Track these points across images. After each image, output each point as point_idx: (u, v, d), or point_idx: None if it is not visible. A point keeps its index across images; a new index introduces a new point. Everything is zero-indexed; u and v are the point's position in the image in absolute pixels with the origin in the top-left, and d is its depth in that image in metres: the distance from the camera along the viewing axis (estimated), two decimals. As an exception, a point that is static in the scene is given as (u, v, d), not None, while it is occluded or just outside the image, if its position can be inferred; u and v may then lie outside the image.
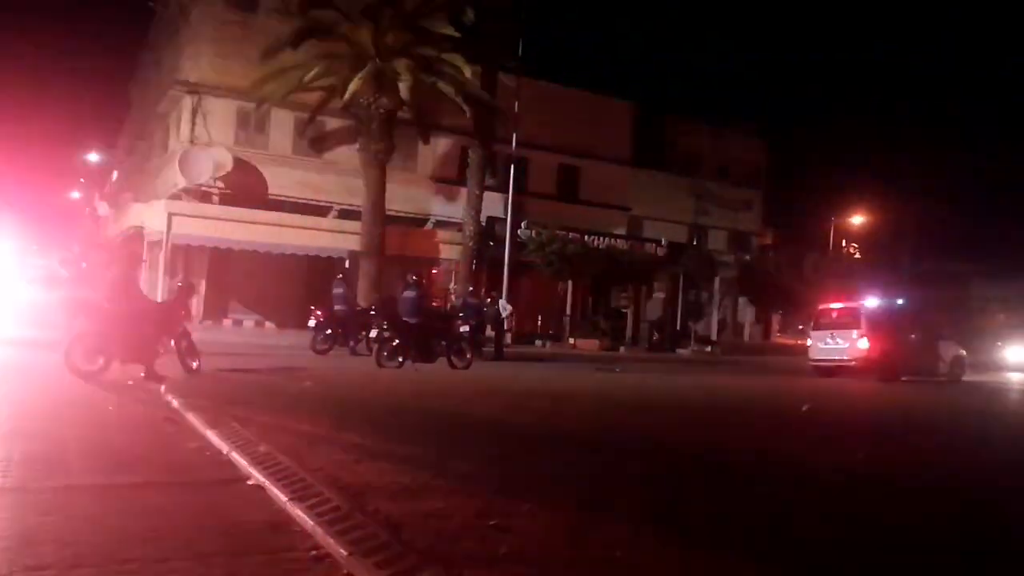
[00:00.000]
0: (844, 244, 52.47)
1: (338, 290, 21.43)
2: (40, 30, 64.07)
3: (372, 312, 19.55)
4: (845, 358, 21.95)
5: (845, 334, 22.10)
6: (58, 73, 70.00)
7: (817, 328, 23.36)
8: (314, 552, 4.43)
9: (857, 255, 52.15)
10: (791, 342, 42.07)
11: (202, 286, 28.85)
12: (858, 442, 9.20)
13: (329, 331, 20.41)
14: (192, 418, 8.51)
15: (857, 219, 50.27)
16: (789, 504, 5.84)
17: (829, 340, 22.49)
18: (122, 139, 49.87)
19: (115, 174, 52.40)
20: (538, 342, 31.55)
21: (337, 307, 20.94)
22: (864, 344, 21.61)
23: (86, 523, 4.81)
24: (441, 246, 32.46)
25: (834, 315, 23.03)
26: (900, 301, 24.77)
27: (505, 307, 24.26)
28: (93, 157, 56.33)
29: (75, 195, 65.06)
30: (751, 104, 42.95)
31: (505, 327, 24.29)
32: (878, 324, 21.88)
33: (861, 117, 52.94)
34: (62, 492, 5.57)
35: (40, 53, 63.31)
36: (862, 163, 51.18)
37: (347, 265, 28.56)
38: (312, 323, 20.75)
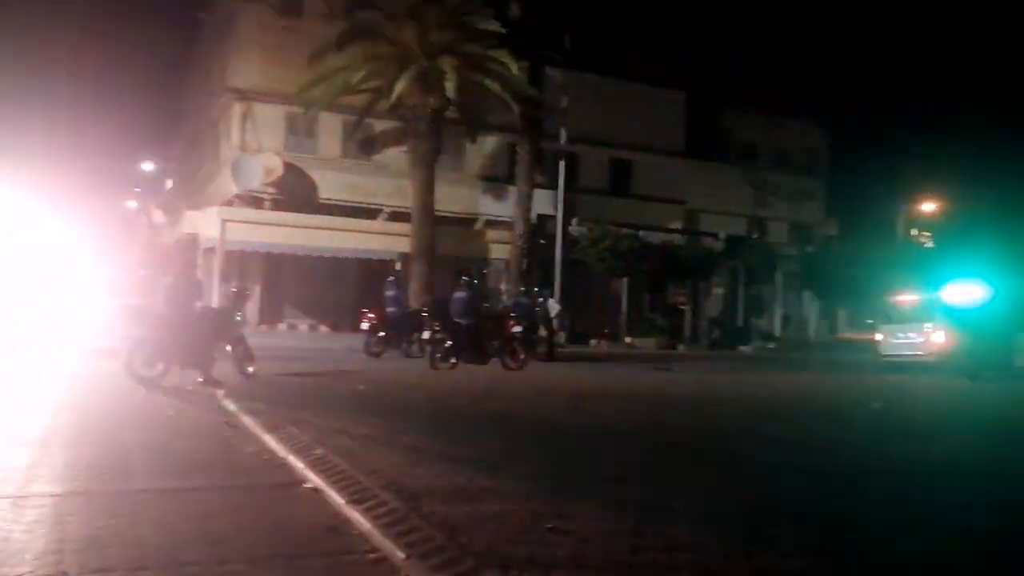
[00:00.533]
0: (915, 233, 51.06)
1: (390, 292, 21.58)
2: (92, 44, 65.77)
3: (424, 314, 19.69)
4: (919, 353, 21.28)
5: (919, 327, 21.52)
6: (111, 85, 71.79)
7: (888, 321, 22.80)
8: (372, 555, 4.50)
9: (930, 244, 50.66)
10: (860, 337, 41.19)
11: (256, 291, 29.30)
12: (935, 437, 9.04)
13: (382, 333, 20.59)
14: (249, 422, 8.68)
15: (928, 206, 48.84)
16: (867, 505, 5.77)
17: (901, 334, 21.90)
18: (175, 148, 50.85)
19: (169, 182, 53.52)
20: (593, 342, 31.41)
21: (389, 309, 21.12)
22: (939, 338, 20.90)
23: (149, 526, 4.96)
24: (491, 245, 32.55)
25: (906, 308, 22.46)
26: (977, 291, 23.96)
27: (554, 306, 24.17)
28: (148, 166, 57.61)
29: (131, 204, 66.53)
30: (810, 90, 41.92)
31: (555, 327, 24.22)
32: (954, 316, 21.03)
33: (930, 99, 51.43)
34: (126, 496, 5.75)
35: (93, 66, 64.97)
36: (933, 147, 49.66)
37: (398, 267, 28.79)
38: (365, 326, 20.96)
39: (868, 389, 15.08)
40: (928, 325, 21.35)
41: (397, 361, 19.31)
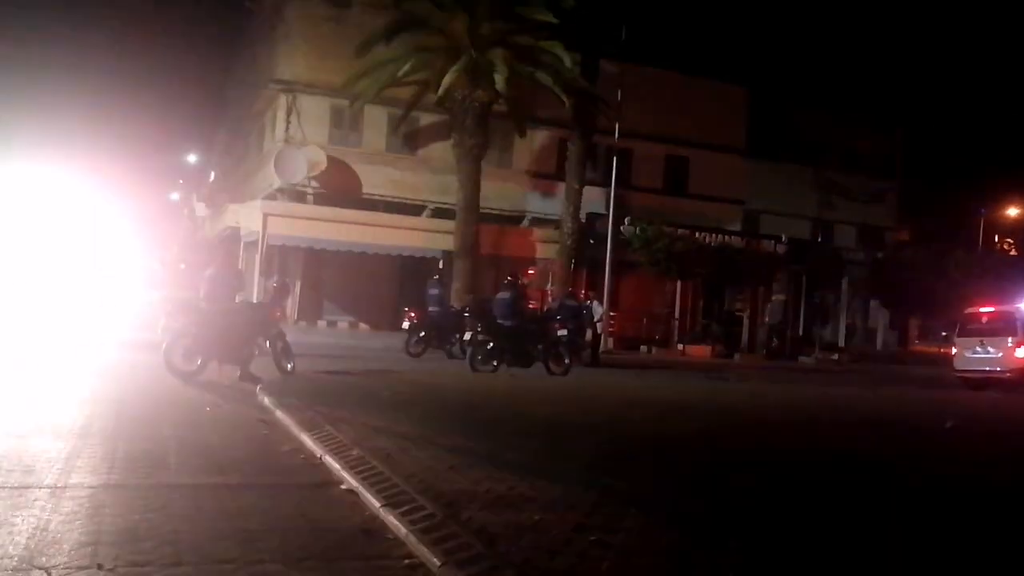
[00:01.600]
0: (996, 240, 49.66)
1: (433, 291, 21.70)
2: (137, 33, 67.03)
3: (466, 314, 19.78)
4: (998, 369, 20.56)
5: (998, 342, 20.73)
6: (156, 75, 73.18)
7: (963, 335, 21.89)
8: (407, 560, 4.58)
9: (1013, 252, 49.20)
10: (932, 350, 40.30)
11: (297, 287, 29.65)
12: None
13: (423, 333, 20.74)
14: (286, 420, 8.82)
15: (1013, 211, 47.51)
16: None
17: (979, 349, 21.07)
18: (219, 140, 51.60)
19: (212, 175, 54.33)
20: (643, 348, 31.25)
21: (431, 309, 21.25)
22: (1021, 353, 20.23)
23: (184, 521, 5.10)
24: (538, 245, 32.53)
25: (984, 320, 21.61)
26: None
27: (598, 309, 24.10)
28: (191, 158, 58.64)
29: (174, 196, 67.71)
30: (883, 85, 40.99)
31: (599, 331, 24.13)
32: None
33: (1013, 95, 49.99)
34: (162, 490, 5.91)
35: (138, 56, 66.35)
36: (1017, 147, 48.15)
37: (441, 265, 28.94)
38: (406, 325, 21.11)
39: (935, 406, 14.83)
40: (1009, 340, 20.60)
41: (438, 362, 19.42)
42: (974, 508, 6.31)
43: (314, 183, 30.73)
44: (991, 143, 48.86)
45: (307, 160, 30.13)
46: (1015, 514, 6.22)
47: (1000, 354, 20.68)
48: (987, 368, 20.90)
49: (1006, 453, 9.49)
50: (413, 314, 21.12)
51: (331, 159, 30.73)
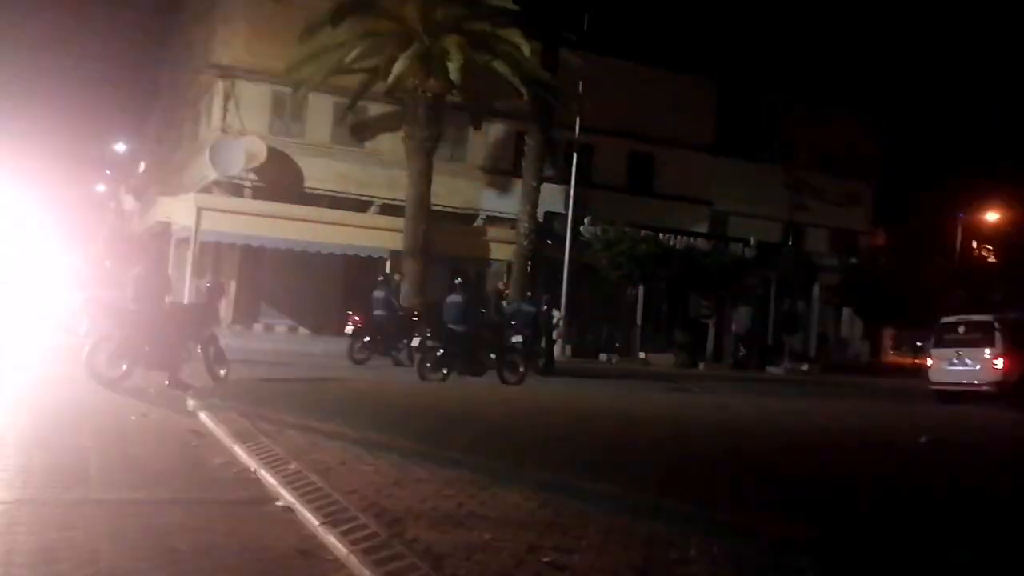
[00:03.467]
0: (975, 246, 50.48)
1: (379, 293, 21.63)
2: (59, 8, 65.84)
3: (414, 318, 19.75)
4: (975, 382, 20.79)
5: (975, 353, 20.96)
6: (80, 55, 71.93)
7: (940, 345, 22.13)
8: (347, 582, 4.59)
9: (992, 259, 50.07)
10: (906, 361, 40.94)
11: (232, 287, 29.36)
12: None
13: (368, 338, 20.68)
14: (219, 431, 8.77)
15: (991, 216, 48.32)
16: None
17: (955, 360, 21.31)
18: (150, 128, 51.01)
19: (142, 165, 53.68)
20: (603, 356, 31.42)
21: (377, 312, 21.20)
22: (999, 365, 20.44)
23: (106, 541, 5.03)
24: (492, 245, 32.54)
25: (961, 330, 21.84)
26: None
27: (555, 314, 24.22)
28: (119, 147, 57.80)
29: (100, 188, 66.76)
30: (858, 82, 41.41)
31: (555, 337, 24.23)
32: (1017, 341, 20.58)
33: (996, 96, 50.83)
34: (81, 506, 5.83)
35: (60, 34, 65.09)
36: (997, 150, 48.95)
37: (388, 266, 28.86)
38: (349, 329, 21.03)
39: (910, 421, 15.08)
40: (987, 351, 20.87)
41: (384, 370, 19.38)
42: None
43: (252, 176, 30.45)
44: (971, 144, 49.61)
45: (245, 151, 29.86)
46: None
47: (978, 366, 20.88)
48: (964, 380, 21.08)
49: (979, 471, 9.70)
50: (357, 318, 21.04)
51: (271, 150, 30.46)
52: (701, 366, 31.98)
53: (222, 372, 12.92)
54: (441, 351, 17.37)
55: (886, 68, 43.88)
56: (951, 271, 39.26)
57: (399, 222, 28.32)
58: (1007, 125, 48.52)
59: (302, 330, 30.63)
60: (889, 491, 7.74)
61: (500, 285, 18.99)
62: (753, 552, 5.27)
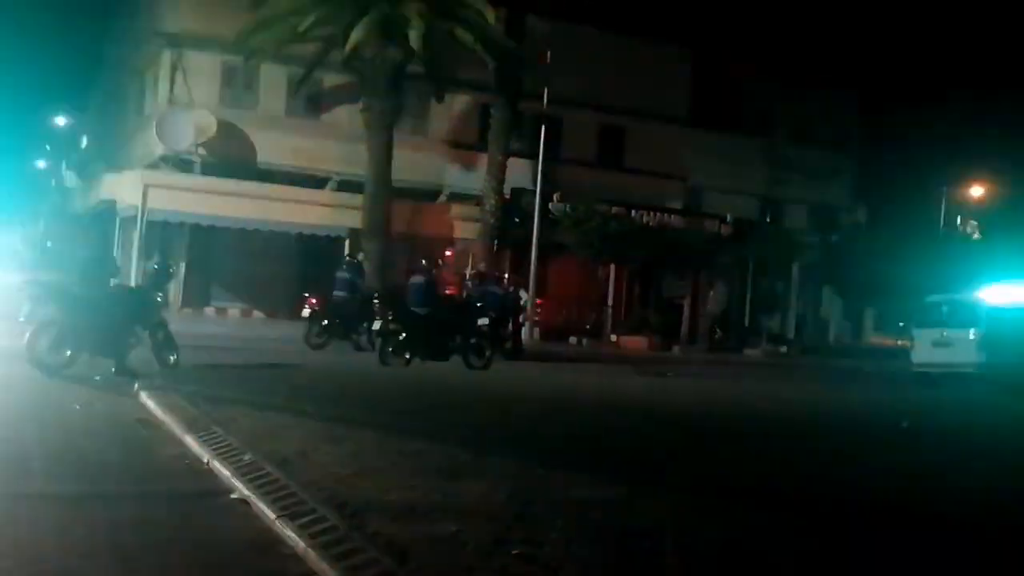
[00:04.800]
0: (959, 221, 50.91)
1: (343, 275, 21.58)
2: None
3: (375, 301, 19.70)
4: (959, 363, 21.02)
5: (959, 334, 21.26)
6: (18, 23, 70.73)
7: (923, 325, 22.48)
8: (305, 578, 4.58)
9: (977, 235, 50.53)
10: (889, 342, 41.29)
11: (181, 269, 29.11)
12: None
13: (326, 322, 20.60)
14: (168, 420, 8.72)
15: (977, 190, 48.72)
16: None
17: (939, 341, 21.82)
18: (93, 100, 50.42)
19: (84, 140, 53.05)
20: (572, 339, 31.49)
21: (337, 293, 21.13)
22: (984, 346, 20.78)
23: (50, 537, 5.00)
24: (456, 223, 32.48)
25: (945, 310, 22.27)
26: None
27: (521, 296, 24.26)
28: (60, 120, 56.98)
29: (40, 164, 65.83)
30: (838, 50, 41.50)
31: (521, 320, 24.28)
32: (1003, 322, 20.82)
33: (982, 64, 51.09)
34: (25, 501, 5.78)
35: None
36: (983, 119, 49.17)
37: (348, 245, 28.74)
38: (306, 312, 20.93)
39: (891, 405, 15.28)
40: (972, 332, 21.15)
41: (344, 355, 19.31)
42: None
43: (202, 151, 30.17)
44: (956, 115, 49.93)
45: (194, 125, 29.58)
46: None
47: (962, 347, 21.13)
48: (947, 362, 21.28)
49: (957, 458, 9.87)
50: (314, 300, 20.94)
51: (222, 124, 30.19)
52: (675, 349, 32.11)
53: (172, 358, 12.82)
54: (403, 335, 17.34)
55: (868, 36, 44.07)
56: (934, 248, 39.56)
57: (358, 199, 28.21)
58: (992, 95, 48.86)
59: (256, 314, 30.45)
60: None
61: (422, 262, 18.89)
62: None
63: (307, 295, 21.49)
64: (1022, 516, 6.86)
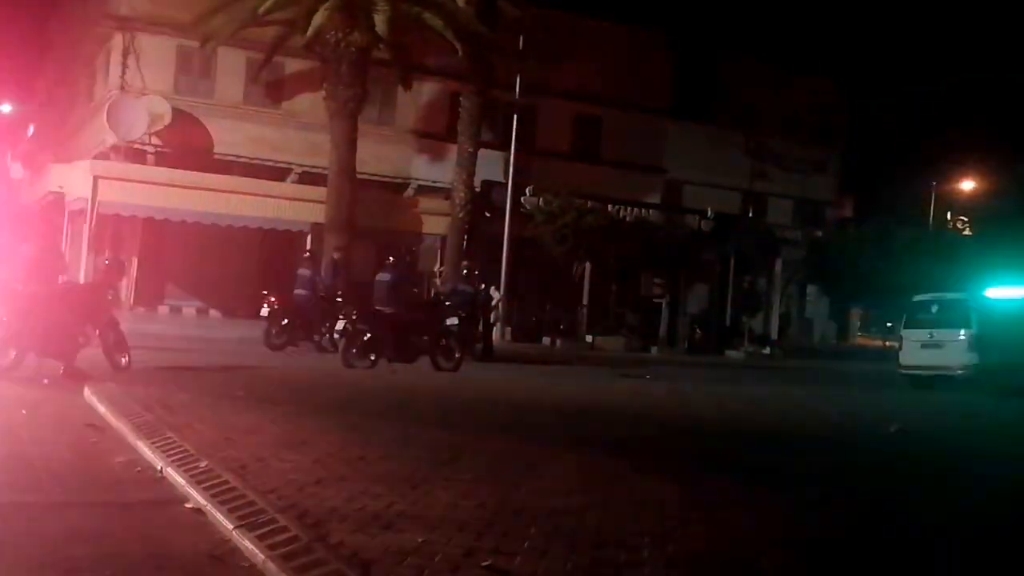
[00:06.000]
0: (949, 217, 51.30)
1: (304, 272, 21.55)
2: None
3: (338, 299, 19.68)
4: (949, 365, 21.24)
5: (949, 335, 21.39)
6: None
7: (911, 326, 22.64)
8: (265, 591, 4.60)
9: (967, 231, 50.92)
10: (876, 343, 41.64)
11: (134, 265, 28.92)
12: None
13: (287, 321, 20.55)
14: (120, 425, 8.69)
15: (967, 185, 49.08)
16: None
17: (928, 342, 21.93)
18: (40, 87, 50.06)
19: (31, 129, 52.65)
20: (546, 339, 31.53)
21: (298, 292, 21.09)
22: (975, 347, 20.92)
23: (-6, 550, 5.00)
24: (425, 217, 32.44)
25: (934, 309, 22.39)
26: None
27: (494, 294, 24.32)
28: (5, 108, 56.50)
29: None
30: (825, 40, 41.74)
31: (493, 319, 24.32)
32: (994, 322, 21.00)
33: (971, 56, 51.52)
34: (-35, 513, 5.77)
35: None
36: (973, 113, 49.60)
37: (309, 240, 28.66)
38: (265, 312, 20.89)
39: (878, 409, 15.42)
40: (962, 332, 21.29)
41: (306, 356, 19.31)
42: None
43: (156, 140, 30.00)
44: (945, 108, 50.31)
45: (148, 112, 29.40)
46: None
47: (952, 348, 21.31)
48: (937, 364, 21.46)
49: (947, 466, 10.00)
50: (273, 299, 20.90)
51: (177, 111, 30.04)
52: (654, 350, 32.27)
53: (123, 360, 12.79)
54: (368, 335, 17.34)
55: (855, 25, 44.38)
56: (923, 245, 39.88)
57: (321, 192, 28.12)
58: (983, 87, 49.30)
59: (213, 312, 30.30)
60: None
61: (389, 259, 18.92)
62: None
63: (266, 293, 21.45)
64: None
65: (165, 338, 19.16)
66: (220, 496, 6.03)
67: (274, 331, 20.44)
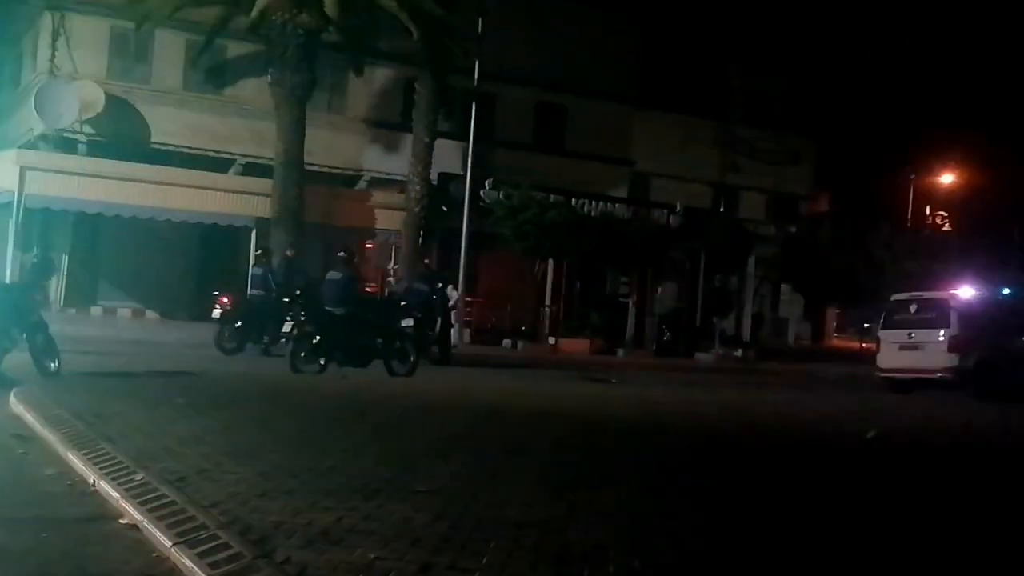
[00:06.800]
0: (928, 212, 51.89)
1: (258, 270, 21.52)
2: None
3: (286, 300, 19.63)
4: (928, 367, 21.35)
5: (929, 335, 21.48)
6: None
7: (889, 327, 22.78)
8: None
9: (947, 227, 51.49)
10: (852, 345, 41.98)
11: (64, 263, 28.75)
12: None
13: (239, 324, 20.48)
14: (49, 435, 8.62)
15: (947, 178, 49.62)
16: None
17: (906, 343, 22.08)
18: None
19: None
20: (506, 342, 31.57)
21: (253, 292, 21.08)
22: (956, 349, 20.98)
23: (-89, 572, 4.94)
24: (378, 212, 32.42)
25: (913, 309, 22.48)
26: (1007, 291, 24.10)
27: (452, 294, 24.35)
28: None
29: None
30: (798, 25, 42.03)
31: (451, 320, 24.35)
32: (975, 322, 21.14)
33: (952, 45, 52.17)
34: None
35: None
36: (954, 103, 50.20)
37: (254, 236, 28.56)
38: (217, 313, 20.81)
39: (854, 414, 15.56)
40: (942, 333, 21.40)
41: (253, 360, 19.25)
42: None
43: (88, 128, 29.81)
44: (924, 98, 50.90)
45: (79, 99, 29.20)
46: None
47: (931, 350, 21.42)
48: (916, 366, 21.63)
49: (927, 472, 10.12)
50: (225, 299, 20.84)
51: (110, 98, 29.87)
52: (620, 353, 32.42)
53: (52, 365, 12.71)
54: (317, 338, 17.29)
55: (829, 9, 44.74)
56: (901, 241, 40.35)
57: (266, 184, 28.06)
58: (963, 77, 49.94)
59: (149, 314, 30.18)
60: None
61: (340, 256, 18.92)
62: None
63: (217, 293, 21.41)
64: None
65: (98, 341, 19.04)
66: (157, 511, 5.98)
67: (226, 334, 20.37)
